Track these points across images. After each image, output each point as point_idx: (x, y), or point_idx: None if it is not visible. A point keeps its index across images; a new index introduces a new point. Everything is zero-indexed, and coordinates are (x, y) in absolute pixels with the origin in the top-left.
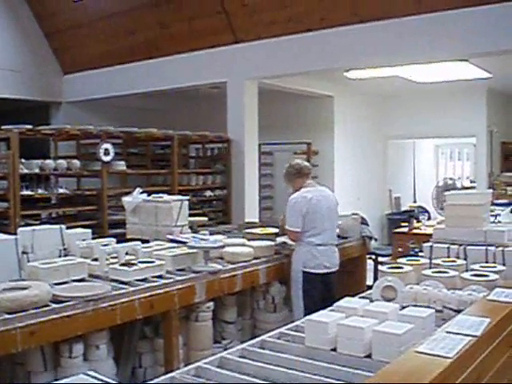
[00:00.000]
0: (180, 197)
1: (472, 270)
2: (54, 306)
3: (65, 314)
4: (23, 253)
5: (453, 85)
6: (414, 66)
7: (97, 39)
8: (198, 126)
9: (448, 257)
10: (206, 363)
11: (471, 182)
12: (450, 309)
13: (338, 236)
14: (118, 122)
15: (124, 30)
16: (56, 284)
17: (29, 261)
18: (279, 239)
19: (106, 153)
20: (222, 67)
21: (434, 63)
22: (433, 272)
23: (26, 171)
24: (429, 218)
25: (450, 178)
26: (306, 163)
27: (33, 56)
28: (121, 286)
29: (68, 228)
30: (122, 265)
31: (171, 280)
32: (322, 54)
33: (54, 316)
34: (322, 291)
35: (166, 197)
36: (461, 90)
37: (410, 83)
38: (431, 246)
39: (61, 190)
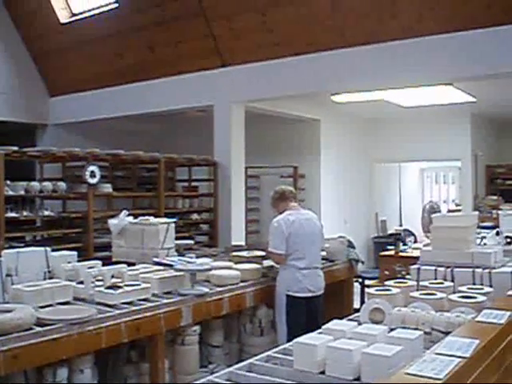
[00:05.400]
0: (166, 219)
1: (459, 291)
2: (38, 329)
3: (49, 337)
4: (7, 275)
5: (438, 109)
6: (399, 90)
7: (84, 62)
8: (185, 149)
9: (435, 279)
10: None
11: (456, 205)
12: (439, 331)
13: (325, 259)
14: (105, 145)
15: (111, 53)
16: (40, 307)
17: (13, 283)
18: (266, 262)
19: (92, 175)
20: (208, 91)
21: (419, 87)
22: (420, 294)
23: (11, 193)
24: (415, 241)
25: (435, 203)
26: (290, 188)
27: (19, 78)
28: (106, 309)
29: (53, 250)
30: (108, 288)
31: (157, 303)
32: (308, 78)
33: (38, 340)
34: (306, 315)
35: (152, 219)
36: (446, 114)
37: (396, 107)
38: (418, 268)
39: (46, 213)
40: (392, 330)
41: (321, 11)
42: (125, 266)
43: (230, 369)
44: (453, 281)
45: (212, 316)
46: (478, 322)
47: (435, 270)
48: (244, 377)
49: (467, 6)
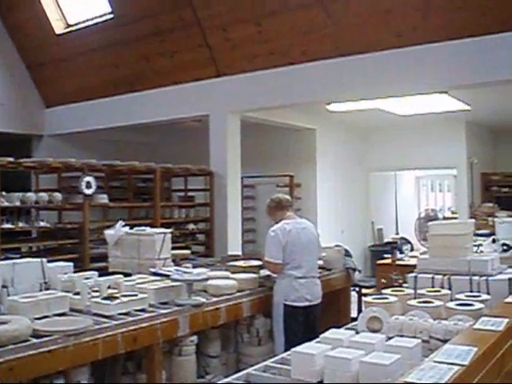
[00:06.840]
0: (163, 230)
1: (457, 299)
2: (35, 340)
3: (45, 349)
4: (3, 286)
5: (433, 117)
6: (394, 99)
7: (79, 72)
8: (181, 159)
9: (432, 287)
10: None
11: (452, 212)
12: (437, 339)
13: (322, 268)
14: (101, 155)
15: (107, 63)
16: (36, 318)
17: (9, 295)
18: (263, 272)
19: (88, 186)
20: (204, 100)
21: (414, 96)
22: (418, 302)
23: (6, 204)
24: (412, 250)
25: (432, 209)
26: (287, 196)
27: (15, 89)
28: (103, 320)
29: (49, 262)
30: (105, 298)
31: (154, 313)
32: (303, 88)
33: (34, 351)
34: (304, 324)
35: (148, 230)
36: (441, 122)
37: (391, 116)
38: (415, 277)
39: (42, 224)
40: (390, 338)
41: (316, 21)
42: (121, 276)
43: (228, 379)
44: (450, 289)
45: (209, 326)
46: (476, 329)
47: (432, 277)
48: None
49: (461, 15)
